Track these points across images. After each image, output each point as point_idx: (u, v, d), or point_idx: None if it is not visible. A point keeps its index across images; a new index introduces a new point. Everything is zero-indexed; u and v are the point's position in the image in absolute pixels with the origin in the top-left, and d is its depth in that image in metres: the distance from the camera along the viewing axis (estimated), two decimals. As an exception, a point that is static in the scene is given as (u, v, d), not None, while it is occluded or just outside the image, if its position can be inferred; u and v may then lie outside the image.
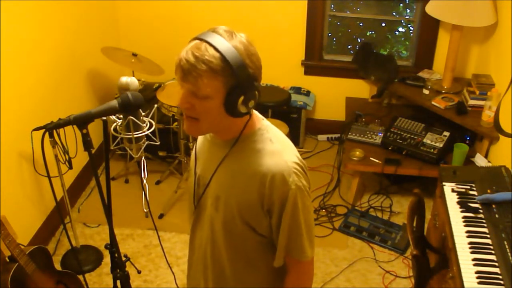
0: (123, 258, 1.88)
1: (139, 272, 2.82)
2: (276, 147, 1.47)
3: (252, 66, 1.37)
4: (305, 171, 1.50)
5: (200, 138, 1.66)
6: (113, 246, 1.81)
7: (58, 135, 2.68)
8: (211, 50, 1.31)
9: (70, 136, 2.51)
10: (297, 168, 1.45)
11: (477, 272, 2.02)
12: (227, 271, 1.60)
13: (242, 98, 1.37)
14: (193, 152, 1.66)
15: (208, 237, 1.60)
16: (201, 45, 1.32)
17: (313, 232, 1.54)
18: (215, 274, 1.64)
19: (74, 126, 1.66)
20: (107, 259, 3.17)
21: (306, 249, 1.51)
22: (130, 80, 3.32)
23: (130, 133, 3.31)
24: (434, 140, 3.51)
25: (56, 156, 2.74)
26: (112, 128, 3.40)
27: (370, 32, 4.27)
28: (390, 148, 3.57)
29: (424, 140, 3.52)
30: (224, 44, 1.33)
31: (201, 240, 1.65)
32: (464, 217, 2.32)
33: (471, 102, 3.54)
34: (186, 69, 1.32)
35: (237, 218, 1.49)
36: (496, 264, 2.05)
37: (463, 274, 2.02)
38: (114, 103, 1.65)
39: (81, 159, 3.26)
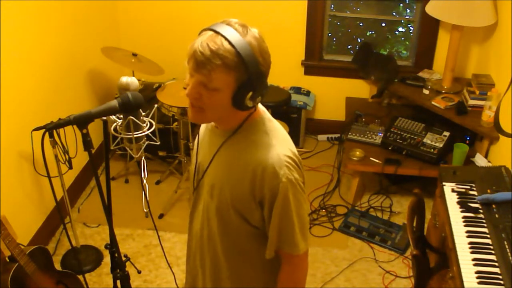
0: (123, 258, 1.88)
1: (139, 272, 2.82)
2: (270, 140, 1.48)
3: (263, 64, 1.38)
4: (298, 165, 1.50)
5: (202, 127, 1.68)
6: (113, 246, 1.81)
7: (58, 135, 2.68)
8: (227, 45, 1.32)
9: (70, 136, 2.51)
10: (289, 161, 1.45)
11: (477, 272, 2.02)
12: (221, 260, 1.61)
13: (250, 93, 1.38)
14: (195, 141, 1.68)
15: (204, 225, 1.62)
16: (217, 38, 1.33)
17: (306, 226, 1.54)
18: (211, 262, 1.65)
19: (74, 126, 1.66)
20: (107, 259, 3.17)
21: (298, 243, 1.51)
22: (130, 80, 3.32)
23: (130, 133, 3.31)
24: (434, 140, 3.51)
25: (56, 156, 2.74)
26: (112, 128, 3.40)
27: (370, 32, 4.27)
28: (390, 148, 3.57)
29: (424, 140, 3.52)
30: (240, 39, 1.33)
31: (197, 227, 1.67)
32: (464, 217, 2.32)
33: (471, 102, 3.54)
34: (200, 61, 1.33)
35: (230, 207, 1.50)
36: (496, 264, 2.05)
37: (463, 274, 2.02)
38: (114, 103, 1.66)
39: (81, 159, 3.26)
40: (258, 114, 1.52)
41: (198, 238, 1.67)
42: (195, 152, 1.67)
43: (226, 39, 1.32)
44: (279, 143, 1.49)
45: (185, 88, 1.43)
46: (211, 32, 1.35)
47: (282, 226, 1.48)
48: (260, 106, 1.55)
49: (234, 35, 1.33)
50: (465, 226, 2.27)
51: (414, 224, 2.40)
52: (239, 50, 1.32)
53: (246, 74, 1.35)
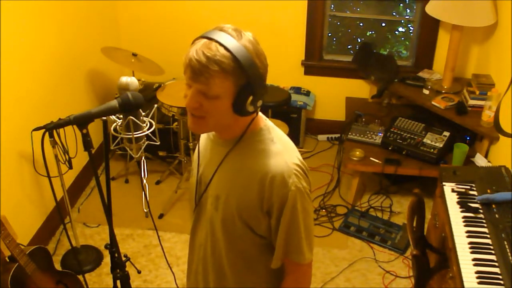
0: (123, 258, 1.88)
1: (139, 272, 2.82)
2: (277, 148, 1.46)
3: (261, 66, 1.36)
4: (306, 173, 1.49)
5: (203, 137, 1.66)
6: (113, 246, 1.81)
7: (58, 135, 2.68)
8: (222, 50, 1.30)
9: (70, 136, 2.51)
10: (297, 169, 1.44)
11: (477, 272, 2.02)
12: (226, 271, 1.60)
13: (251, 97, 1.36)
14: (196, 151, 1.66)
15: (208, 237, 1.60)
16: (211, 44, 1.31)
17: (312, 235, 1.53)
18: (215, 274, 1.63)
19: (74, 126, 1.66)
20: (107, 259, 3.17)
21: (304, 252, 1.50)
22: (130, 80, 3.32)
23: (130, 133, 3.31)
24: (434, 140, 3.51)
25: (56, 156, 2.74)
26: (112, 128, 3.40)
27: (370, 32, 4.27)
28: (390, 148, 3.57)
29: (424, 140, 3.52)
30: (235, 43, 1.32)
31: (201, 239, 1.65)
32: (464, 217, 2.32)
33: (471, 102, 3.54)
34: (197, 69, 1.31)
35: (236, 218, 1.49)
36: (496, 264, 2.05)
37: (463, 274, 2.02)
38: (114, 103, 1.65)
39: (81, 159, 3.26)
40: (261, 122, 1.51)
41: (201, 251, 1.65)
42: (195, 164, 1.64)
43: (221, 44, 1.30)
44: (286, 151, 1.47)
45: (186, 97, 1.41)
46: (204, 40, 1.33)
47: (289, 235, 1.47)
48: (261, 114, 1.53)
49: (228, 40, 1.31)
50: (465, 226, 2.27)
51: (414, 224, 2.40)
52: (235, 54, 1.30)
53: (244, 78, 1.33)
